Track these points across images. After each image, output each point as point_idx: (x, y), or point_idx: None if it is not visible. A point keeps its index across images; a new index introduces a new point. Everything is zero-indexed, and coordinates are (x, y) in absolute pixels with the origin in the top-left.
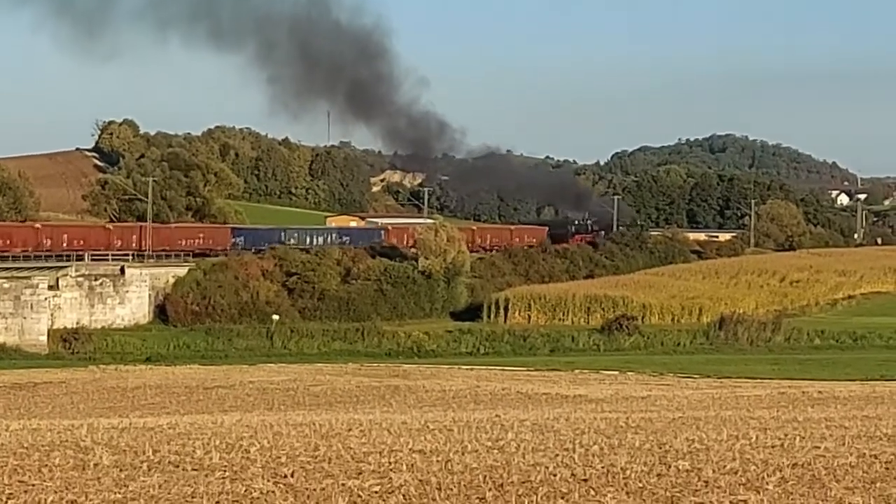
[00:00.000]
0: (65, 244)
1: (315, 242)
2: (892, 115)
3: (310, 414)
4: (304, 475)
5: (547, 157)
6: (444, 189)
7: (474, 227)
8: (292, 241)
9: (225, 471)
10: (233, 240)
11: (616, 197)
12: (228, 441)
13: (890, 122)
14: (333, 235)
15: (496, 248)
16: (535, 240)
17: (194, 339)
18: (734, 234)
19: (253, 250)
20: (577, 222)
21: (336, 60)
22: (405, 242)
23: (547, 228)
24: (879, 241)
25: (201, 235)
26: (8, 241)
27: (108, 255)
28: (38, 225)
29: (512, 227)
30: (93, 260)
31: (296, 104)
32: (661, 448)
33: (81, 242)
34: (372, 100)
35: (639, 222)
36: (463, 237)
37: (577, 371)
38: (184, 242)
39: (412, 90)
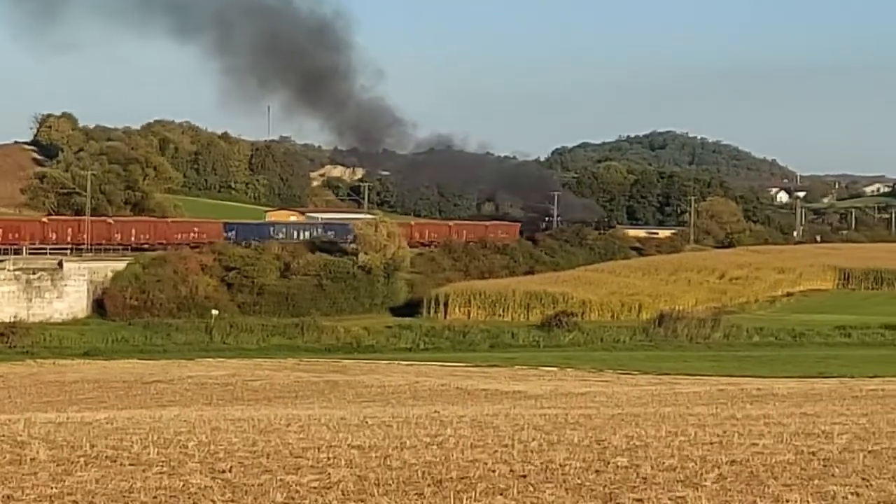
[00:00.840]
0: None
1: (301, 237)
2: (832, 114)
3: (248, 409)
4: (241, 470)
5: (487, 152)
6: (384, 184)
7: (451, 224)
8: (281, 235)
9: (162, 466)
10: (225, 234)
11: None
12: (166, 436)
13: (829, 121)
14: (319, 230)
15: (472, 244)
16: (507, 235)
17: (133, 334)
18: (674, 231)
19: (244, 245)
20: (547, 218)
21: (292, 49)
22: (345, 238)
23: (520, 224)
24: (818, 238)
25: (196, 230)
26: None
27: (45, 248)
28: None
29: (487, 222)
30: (30, 254)
31: (250, 94)
32: (599, 444)
33: (16, 236)
34: (326, 91)
35: (606, 219)
36: (436, 234)
37: (516, 367)
38: (179, 237)
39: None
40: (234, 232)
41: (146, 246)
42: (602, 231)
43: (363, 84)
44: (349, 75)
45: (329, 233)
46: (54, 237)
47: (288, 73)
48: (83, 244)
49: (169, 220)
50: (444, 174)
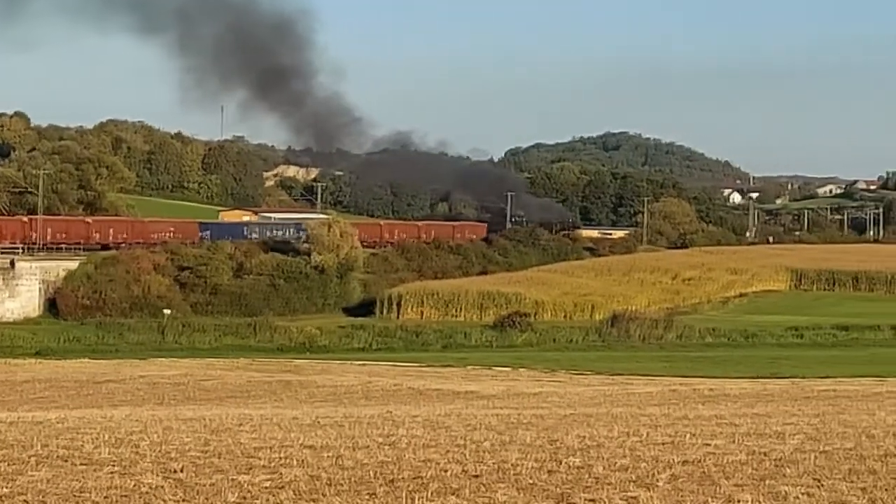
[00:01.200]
0: None
1: (275, 236)
2: (785, 115)
3: (200, 409)
4: (193, 470)
5: (442, 152)
6: (337, 184)
7: (420, 224)
8: (254, 235)
9: (114, 465)
10: (201, 234)
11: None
12: (118, 436)
13: (782, 122)
14: (291, 230)
15: (426, 244)
16: (475, 236)
17: (85, 333)
18: (627, 232)
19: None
20: (514, 218)
21: (253, 46)
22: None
23: (486, 225)
24: (771, 239)
25: (171, 230)
26: None
27: None
28: None
29: (455, 223)
30: None
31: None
32: (552, 444)
33: None
34: (286, 89)
35: (571, 220)
36: (405, 234)
37: (469, 367)
38: (156, 236)
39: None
40: (209, 232)
41: (123, 245)
42: (568, 232)
43: (322, 82)
44: (309, 73)
45: (301, 232)
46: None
47: (248, 70)
48: (42, 243)
49: (146, 219)
50: (399, 173)
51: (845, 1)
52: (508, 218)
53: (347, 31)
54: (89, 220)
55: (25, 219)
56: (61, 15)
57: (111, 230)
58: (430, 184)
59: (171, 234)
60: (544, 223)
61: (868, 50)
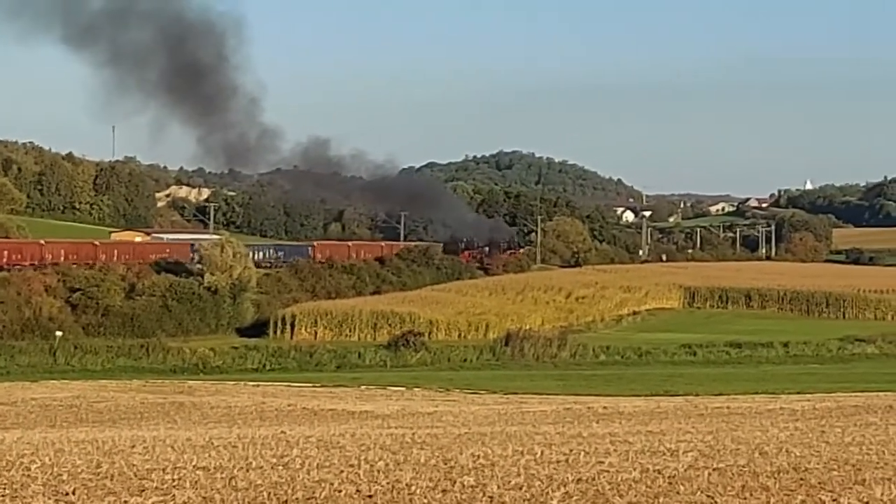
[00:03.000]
0: None
1: (257, 257)
2: (677, 134)
3: (93, 431)
4: (85, 493)
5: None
6: (230, 204)
7: (382, 245)
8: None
9: (4, 488)
10: (191, 254)
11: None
12: (9, 458)
13: (674, 140)
14: (270, 251)
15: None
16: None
17: None
18: (521, 251)
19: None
20: (465, 240)
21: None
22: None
23: (442, 245)
24: (664, 257)
25: (168, 250)
26: None
27: None
28: None
29: (416, 243)
30: None
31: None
32: (446, 464)
33: None
34: (208, 104)
35: (516, 240)
36: (370, 254)
37: (363, 387)
38: (154, 256)
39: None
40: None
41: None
42: (514, 251)
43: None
44: (232, 88)
45: (280, 253)
46: None
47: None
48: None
49: (146, 242)
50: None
51: (734, 20)
52: (402, 237)
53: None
54: (97, 242)
55: None
56: None
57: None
58: (341, 201)
59: (168, 254)
60: (492, 243)
61: (758, 68)
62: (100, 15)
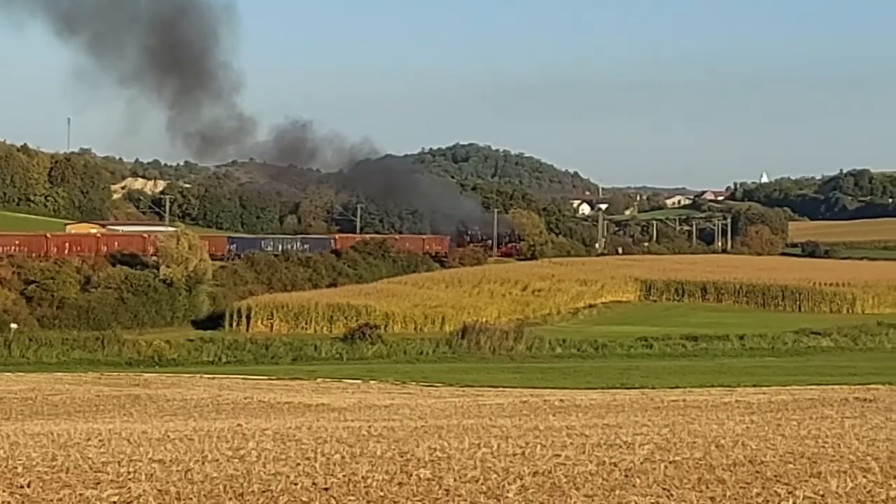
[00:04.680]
0: None
1: (284, 249)
2: (633, 127)
3: (48, 423)
4: (41, 486)
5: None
6: (185, 196)
7: (397, 237)
8: (269, 248)
9: None
10: (228, 247)
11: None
12: None
13: (631, 134)
14: (298, 243)
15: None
16: (441, 248)
17: None
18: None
19: (242, 256)
20: (470, 232)
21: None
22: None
23: (448, 238)
24: (620, 250)
25: (207, 243)
26: None
27: None
28: None
29: (424, 236)
30: None
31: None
32: (402, 457)
33: None
34: (189, 84)
35: (517, 233)
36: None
37: (319, 380)
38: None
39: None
40: (235, 245)
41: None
42: (514, 244)
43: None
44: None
45: (305, 245)
46: None
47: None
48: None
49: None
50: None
51: (690, 15)
52: (358, 229)
53: None
54: (145, 235)
55: None
56: None
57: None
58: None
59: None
60: (490, 237)
61: (714, 63)
62: None
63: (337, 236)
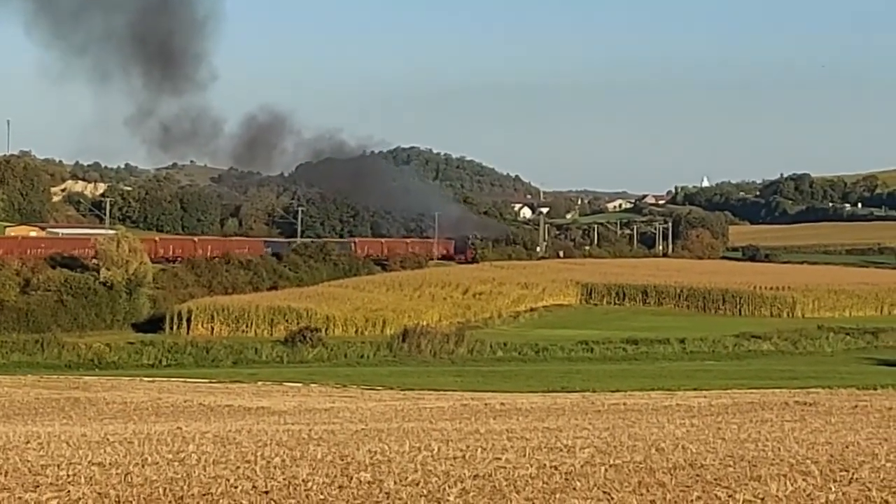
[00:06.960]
0: None
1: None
2: (573, 130)
3: None
4: None
5: (231, 168)
6: (126, 199)
7: (407, 242)
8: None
9: None
10: (265, 249)
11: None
12: None
13: (571, 138)
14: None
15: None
16: (446, 251)
17: None
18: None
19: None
20: (470, 238)
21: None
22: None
23: (454, 241)
24: (561, 254)
25: (245, 248)
26: None
27: None
28: None
29: (429, 240)
30: None
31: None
32: (343, 460)
33: None
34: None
35: (512, 236)
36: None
37: (260, 383)
38: (238, 251)
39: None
40: (269, 248)
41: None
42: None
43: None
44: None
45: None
46: None
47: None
48: None
49: (230, 238)
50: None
51: (629, 19)
52: (299, 233)
53: None
54: (196, 238)
55: None
56: None
57: (210, 247)
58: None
59: (247, 250)
60: (491, 240)
61: (654, 67)
62: None
63: (357, 240)
